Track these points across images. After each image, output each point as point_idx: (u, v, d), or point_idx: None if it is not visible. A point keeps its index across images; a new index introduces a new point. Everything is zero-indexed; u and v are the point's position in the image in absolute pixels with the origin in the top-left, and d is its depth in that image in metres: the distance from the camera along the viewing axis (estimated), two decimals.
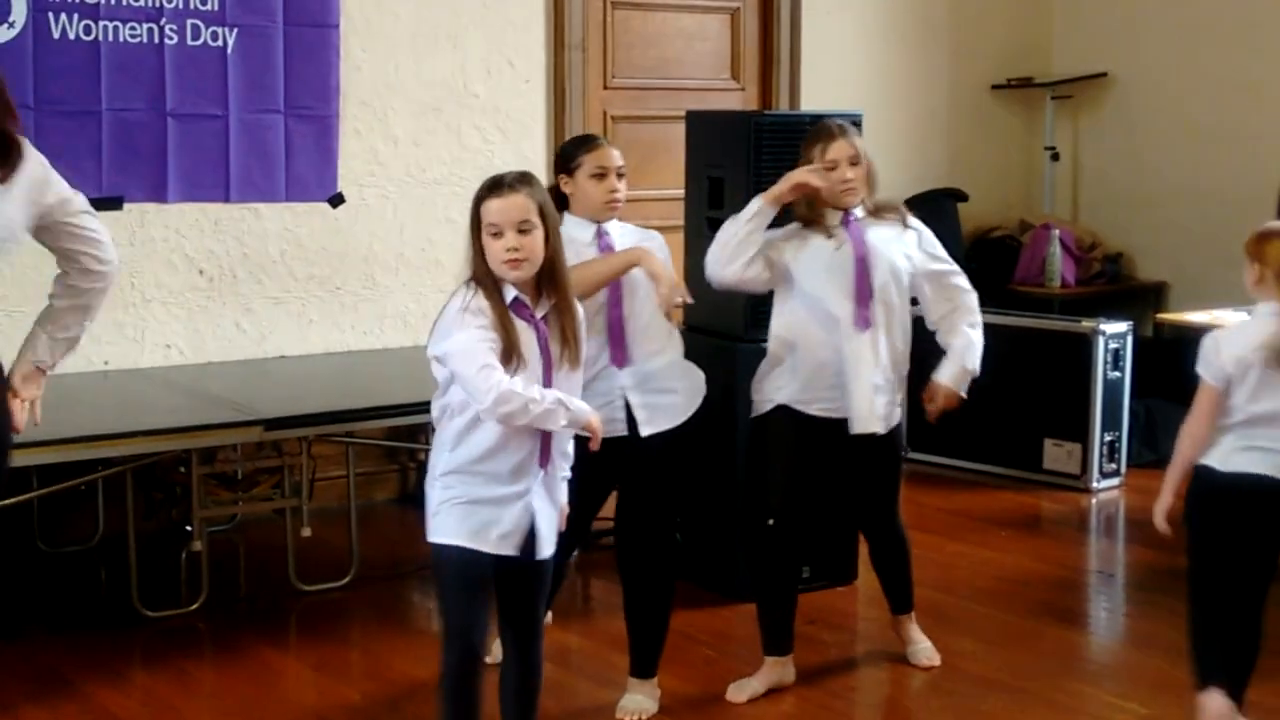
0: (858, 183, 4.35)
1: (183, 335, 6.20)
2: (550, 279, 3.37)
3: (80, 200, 3.71)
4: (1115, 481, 6.93)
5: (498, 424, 3.28)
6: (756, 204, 4.31)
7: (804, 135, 4.47)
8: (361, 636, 5.09)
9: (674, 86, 7.43)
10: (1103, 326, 6.81)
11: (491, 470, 3.35)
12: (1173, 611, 5.26)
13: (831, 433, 4.39)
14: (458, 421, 3.36)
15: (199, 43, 6.05)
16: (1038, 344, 7.01)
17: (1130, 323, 6.97)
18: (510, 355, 3.27)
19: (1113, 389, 6.86)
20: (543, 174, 6.95)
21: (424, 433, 5.96)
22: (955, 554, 5.92)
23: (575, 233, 4.11)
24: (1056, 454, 6.95)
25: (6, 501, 5.10)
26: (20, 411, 3.69)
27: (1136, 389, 7.00)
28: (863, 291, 4.34)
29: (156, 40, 5.97)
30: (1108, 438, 6.86)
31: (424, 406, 3.59)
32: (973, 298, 4.60)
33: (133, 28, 5.92)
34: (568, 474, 3.54)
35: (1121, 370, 6.87)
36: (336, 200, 6.46)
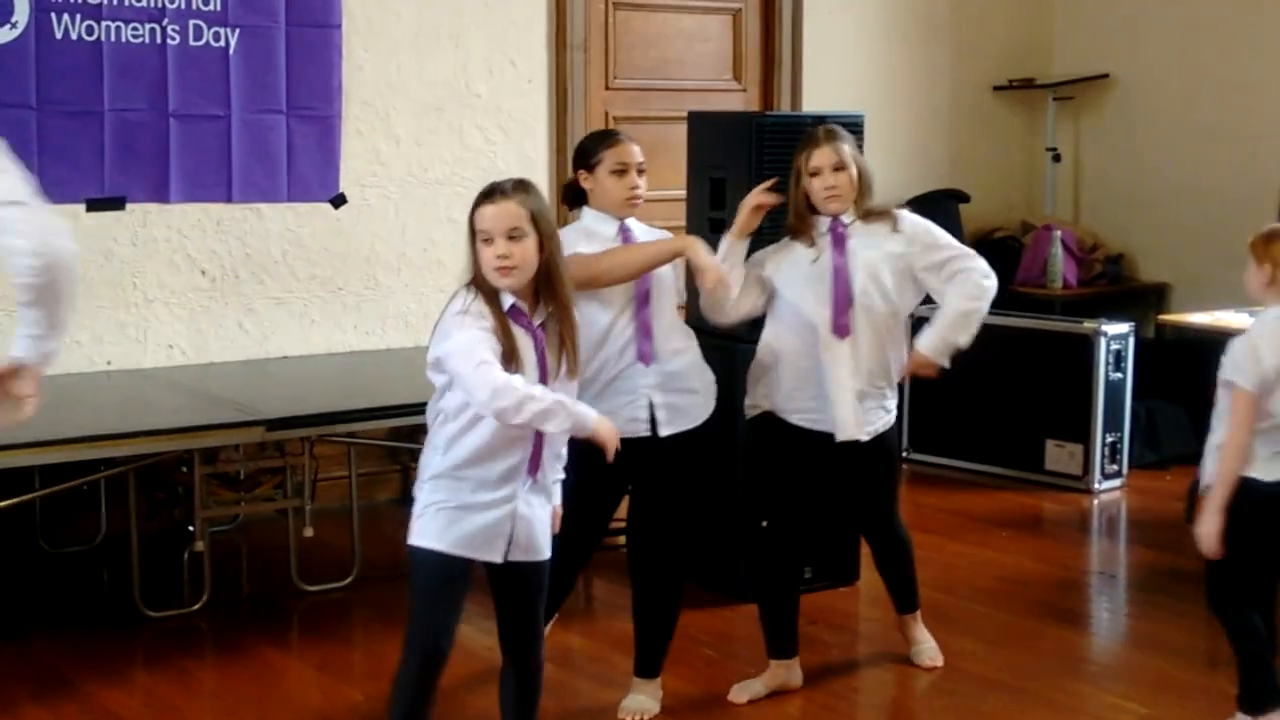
0: (842, 189, 4.30)
1: (185, 335, 6.20)
2: (548, 286, 3.36)
3: (3, 190, 3.21)
4: (1117, 482, 6.93)
5: (492, 427, 3.27)
6: (725, 244, 4.30)
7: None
8: (364, 637, 5.09)
9: (675, 87, 7.43)
10: (1104, 327, 6.81)
11: (479, 475, 3.33)
12: (1174, 612, 5.28)
13: (815, 442, 4.38)
14: (451, 426, 3.35)
15: (201, 43, 6.06)
16: (1039, 345, 7.02)
17: (1132, 324, 6.97)
18: (509, 361, 3.26)
19: (1114, 390, 6.86)
20: (544, 174, 7.00)
21: (425, 433, 5.96)
22: (956, 554, 5.93)
23: (598, 227, 4.13)
24: (1058, 455, 6.95)
25: (9, 501, 5.12)
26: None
27: (1138, 390, 7.00)
28: (840, 299, 4.31)
29: (159, 41, 5.97)
30: (1109, 439, 6.86)
31: (426, 407, 3.57)
32: (976, 272, 4.51)
33: (135, 28, 5.92)
34: (560, 475, 3.53)
35: (1123, 371, 6.88)
36: (338, 200, 6.47)
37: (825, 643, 4.93)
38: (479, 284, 3.32)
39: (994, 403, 7.16)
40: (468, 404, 3.28)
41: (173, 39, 5.99)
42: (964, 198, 8.33)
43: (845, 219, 4.36)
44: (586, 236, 4.13)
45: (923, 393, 7.33)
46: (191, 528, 5.30)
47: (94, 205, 5.94)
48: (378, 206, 6.59)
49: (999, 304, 7.52)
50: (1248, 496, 3.91)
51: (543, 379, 3.34)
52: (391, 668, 4.38)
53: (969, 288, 4.45)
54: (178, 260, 6.17)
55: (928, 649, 4.73)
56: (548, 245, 3.33)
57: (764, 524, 4.55)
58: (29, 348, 3.16)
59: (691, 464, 4.28)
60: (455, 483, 3.34)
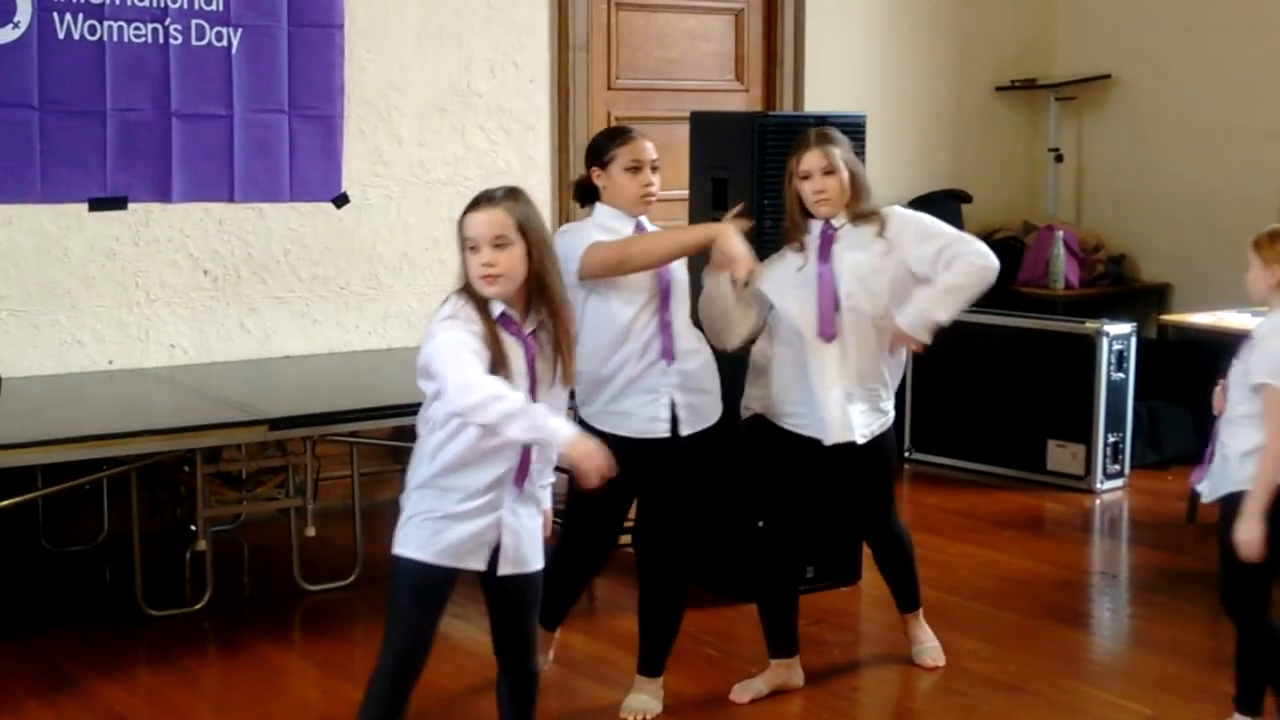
0: (831, 193, 4.27)
1: (187, 335, 6.21)
2: (540, 294, 3.31)
3: None
4: (1119, 483, 6.93)
5: (475, 437, 3.22)
6: (707, 280, 4.27)
7: None
8: (365, 636, 5.09)
9: (678, 87, 7.43)
10: (1106, 328, 6.81)
11: (465, 485, 3.28)
12: (1176, 612, 5.28)
13: (806, 445, 4.37)
14: (438, 435, 3.29)
15: (204, 43, 6.06)
16: (1041, 345, 7.02)
17: (1134, 324, 6.97)
18: (497, 368, 3.21)
19: (1116, 390, 6.86)
20: (547, 174, 7.01)
21: None
22: (959, 554, 5.92)
23: (614, 224, 4.12)
24: (1060, 455, 6.95)
25: (11, 500, 5.12)
26: None
27: (1140, 390, 7.00)
28: (826, 303, 4.29)
29: (161, 40, 5.97)
30: (1111, 439, 6.86)
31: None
32: (970, 252, 4.43)
33: (138, 28, 5.93)
34: (551, 479, 3.50)
35: (1125, 371, 6.87)
36: (341, 200, 6.47)
37: (827, 642, 4.93)
38: (469, 291, 3.29)
39: (996, 403, 7.16)
40: (453, 412, 3.25)
41: (175, 39, 6.00)
42: (966, 198, 8.33)
43: (836, 222, 4.34)
44: (603, 231, 4.12)
45: (925, 393, 7.35)
46: (193, 527, 5.30)
47: (96, 205, 5.94)
48: (380, 206, 6.59)
49: (1001, 305, 7.61)
50: None
51: (532, 387, 3.30)
52: None
53: (961, 266, 4.39)
54: (180, 260, 6.18)
55: (929, 648, 4.73)
56: (536, 253, 3.28)
57: (760, 524, 4.56)
58: None
59: (704, 464, 4.28)
60: (441, 492, 3.30)
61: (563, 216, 7.06)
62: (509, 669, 3.52)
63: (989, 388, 7.17)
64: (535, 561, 3.41)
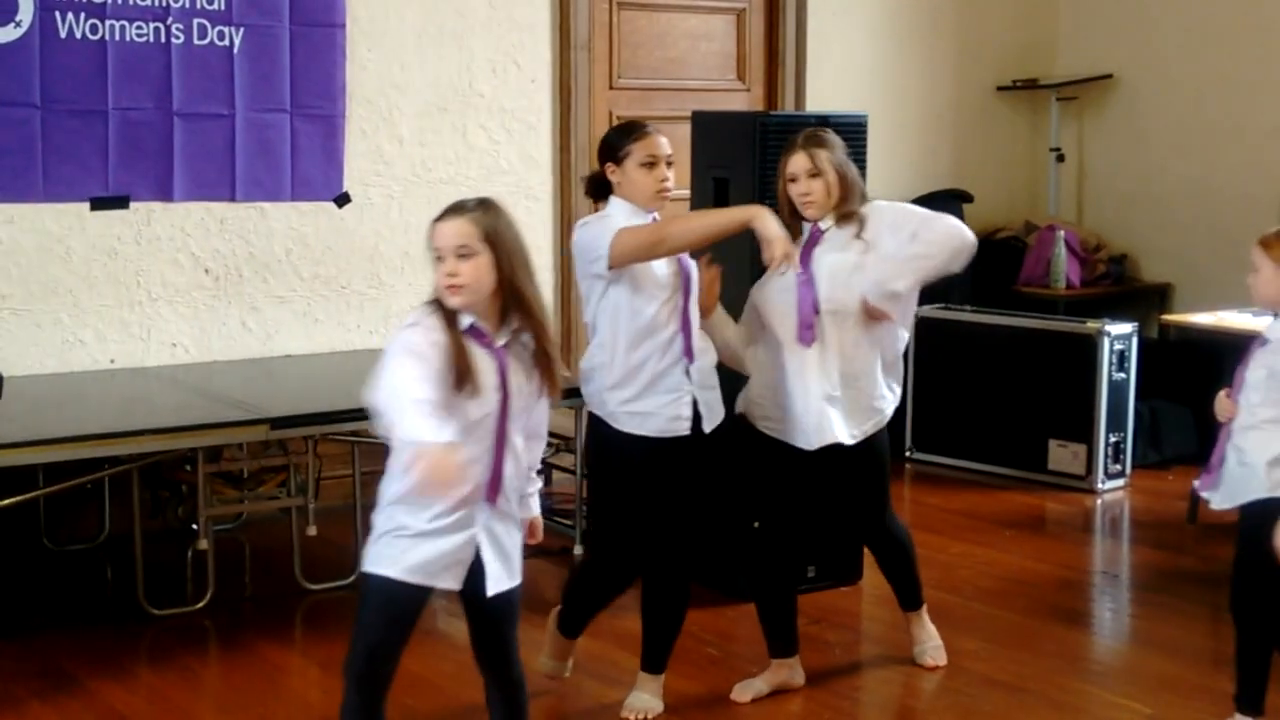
0: (816, 196, 4.26)
1: (188, 334, 6.21)
2: (515, 305, 3.24)
3: None
4: (1120, 482, 6.93)
5: (467, 449, 3.16)
6: (712, 329, 4.33)
7: None
8: None
9: (679, 87, 7.43)
10: (1108, 328, 6.81)
11: (432, 503, 3.20)
12: (1177, 612, 5.28)
13: (782, 449, 4.37)
14: (409, 451, 3.21)
15: (205, 42, 6.06)
16: (1042, 345, 7.02)
17: (1135, 324, 6.97)
18: (462, 381, 3.15)
19: (1117, 390, 6.86)
20: (548, 173, 7.01)
21: None
22: (960, 554, 5.93)
23: (632, 220, 4.09)
24: (1061, 455, 6.95)
25: (13, 500, 5.12)
26: None
27: (1141, 390, 7.00)
28: (804, 308, 4.28)
29: (163, 39, 5.98)
30: (1113, 439, 6.86)
31: None
32: (938, 224, 4.35)
33: (139, 27, 5.93)
34: (538, 485, 3.48)
35: (1126, 371, 6.87)
36: (342, 199, 6.47)
37: (828, 642, 4.93)
38: (439, 302, 3.24)
39: (997, 403, 7.16)
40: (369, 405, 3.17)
41: (177, 38, 6.00)
42: (967, 198, 8.33)
43: (823, 225, 4.33)
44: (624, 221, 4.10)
45: (926, 392, 7.35)
46: (195, 526, 5.31)
47: (98, 204, 5.95)
48: (381, 205, 6.59)
49: (1002, 304, 7.61)
50: None
51: (504, 401, 3.22)
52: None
53: (926, 235, 4.31)
54: (181, 259, 6.18)
55: (930, 648, 4.72)
56: (506, 264, 3.21)
57: (756, 525, 4.56)
58: None
59: (715, 459, 4.29)
60: (411, 509, 3.22)
61: (564, 216, 7.07)
62: (494, 680, 3.48)
63: (990, 388, 7.17)
64: (510, 579, 3.34)
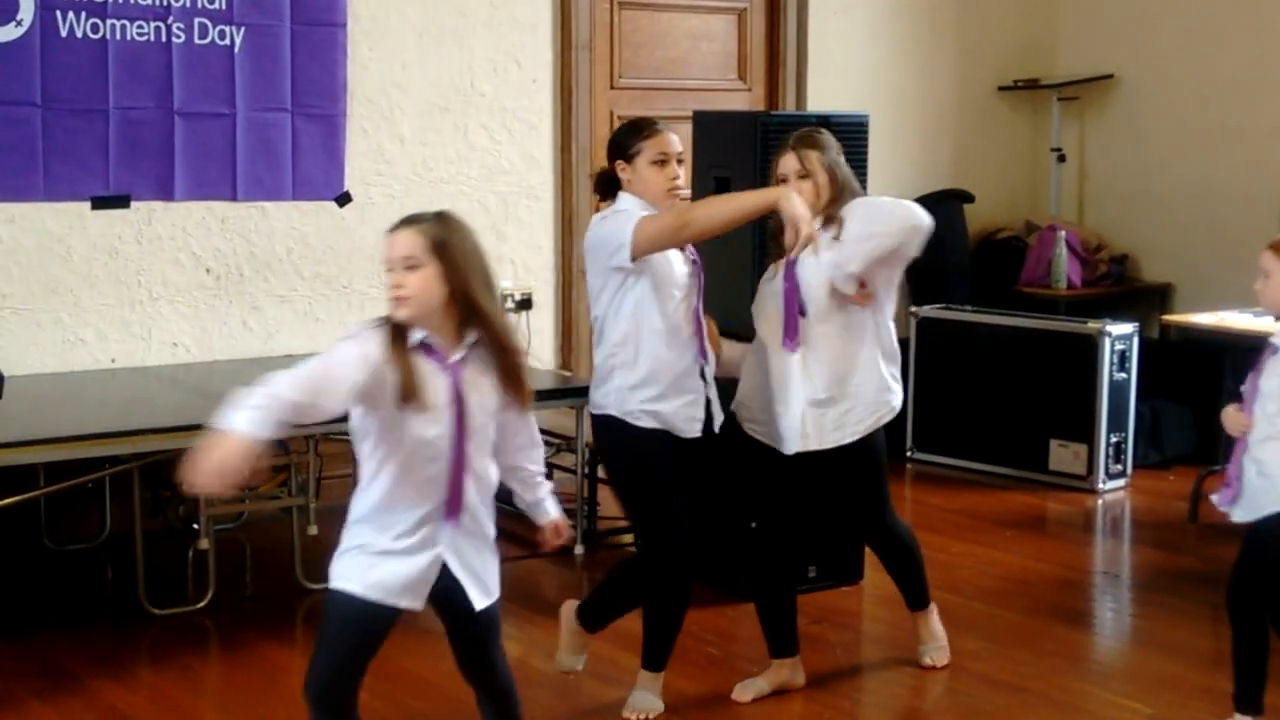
0: (805, 197, 4.14)
1: (189, 333, 6.21)
2: (471, 320, 3.14)
3: None
4: (1121, 482, 6.93)
5: (395, 473, 3.13)
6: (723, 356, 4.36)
7: None
8: None
9: (680, 86, 7.43)
10: (1108, 328, 6.81)
11: (395, 522, 3.16)
12: (1178, 612, 5.28)
13: (770, 451, 4.36)
14: (368, 467, 3.19)
15: (206, 41, 6.06)
16: (1043, 345, 7.02)
17: (1136, 324, 6.97)
18: (407, 397, 3.07)
19: (1118, 390, 6.86)
20: (549, 173, 7.01)
21: None
22: (961, 554, 5.93)
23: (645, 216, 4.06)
24: (1062, 455, 6.95)
25: (13, 499, 5.12)
26: None
27: (1142, 390, 7.00)
28: (790, 311, 4.26)
29: (164, 39, 5.98)
30: (1113, 439, 6.86)
31: None
32: (891, 205, 4.26)
33: (140, 26, 5.93)
34: (549, 487, 3.45)
35: (1127, 371, 6.87)
36: (343, 199, 6.47)
37: (829, 642, 4.93)
38: (390, 317, 3.17)
39: (998, 403, 7.16)
40: (375, 447, 3.15)
41: (178, 37, 6.00)
42: (968, 198, 8.33)
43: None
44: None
45: (927, 393, 7.35)
46: (196, 525, 5.31)
47: (99, 203, 5.95)
48: (382, 205, 6.59)
49: (1003, 304, 7.61)
50: None
51: (458, 421, 3.14)
52: (394, 665, 4.40)
53: (879, 214, 4.21)
54: (182, 258, 6.18)
55: (931, 649, 4.71)
56: (456, 276, 3.10)
57: (753, 525, 4.55)
58: None
59: (715, 460, 4.30)
60: (375, 527, 3.18)
61: (565, 215, 7.07)
62: (481, 690, 3.45)
63: (991, 388, 7.17)
64: (484, 597, 3.27)
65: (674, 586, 4.23)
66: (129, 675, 4.67)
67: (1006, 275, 8.27)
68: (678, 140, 4.15)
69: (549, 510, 3.48)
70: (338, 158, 6.44)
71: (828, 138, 4.33)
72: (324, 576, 5.35)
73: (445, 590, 3.23)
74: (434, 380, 3.11)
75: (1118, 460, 6.91)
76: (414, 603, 3.21)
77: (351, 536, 3.22)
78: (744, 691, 4.45)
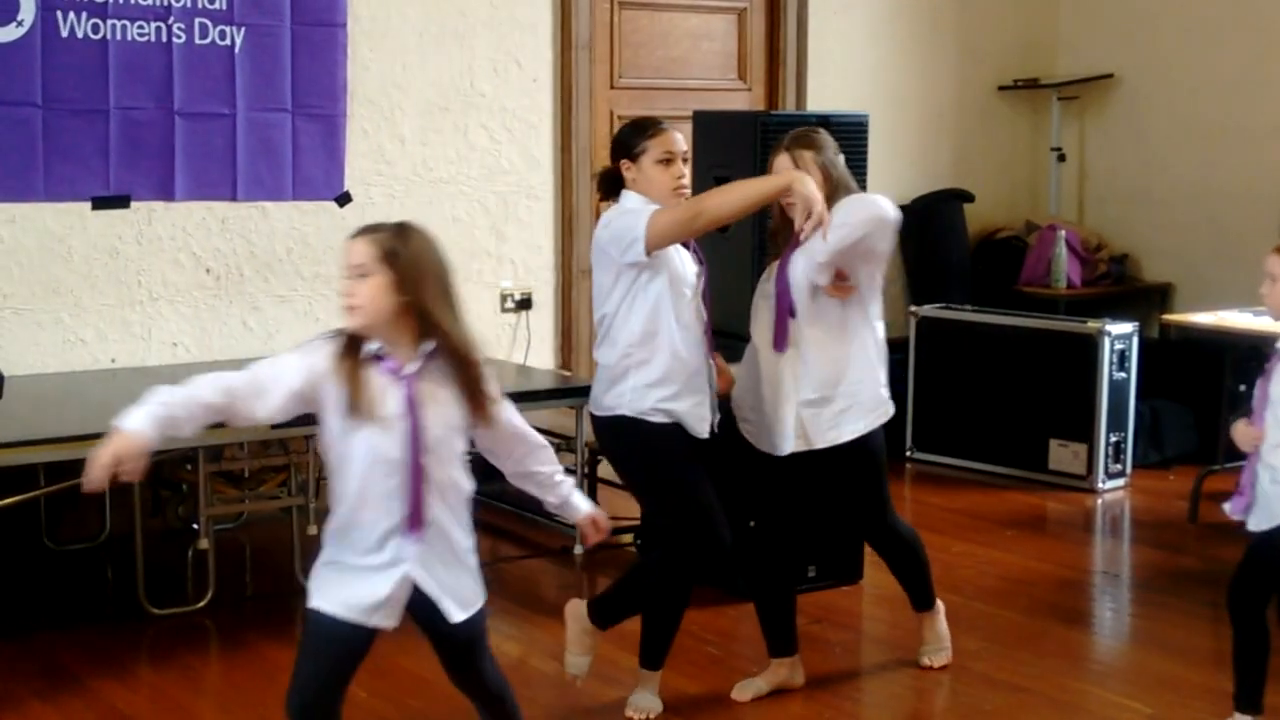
0: (797, 197, 4.18)
1: (190, 333, 6.21)
2: (428, 331, 3.08)
3: None
4: (1121, 482, 6.93)
5: (355, 487, 3.08)
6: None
7: None
8: None
9: (681, 86, 7.44)
10: (1108, 327, 6.81)
11: (359, 538, 3.12)
12: (1178, 612, 5.28)
13: (760, 453, 4.37)
14: (332, 481, 3.16)
15: (207, 41, 6.07)
16: (1043, 345, 7.02)
17: (1136, 324, 6.97)
18: (354, 410, 3.03)
19: (1118, 390, 6.86)
20: (549, 173, 7.02)
21: None
22: (961, 554, 5.93)
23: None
24: (1062, 454, 6.95)
25: (14, 499, 5.13)
26: None
27: (1142, 390, 7.01)
28: (780, 314, 4.25)
29: (164, 39, 5.98)
30: (1113, 438, 6.86)
31: None
32: (860, 198, 4.22)
33: (141, 26, 5.93)
34: (571, 483, 3.40)
35: (1127, 371, 6.88)
36: (344, 199, 6.47)
37: (828, 641, 4.93)
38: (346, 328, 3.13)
39: (998, 402, 7.16)
40: (336, 459, 3.12)
41: (178, 37, 6.00)
42: (968, 197, 8.33)
43: (807, 228, 4.29)
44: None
45: (927, 392, 7.35)
46: (196, 525, 5.31)
47: (99, 203, 5.95)
48: (382, 205, 6.59)
49: (1003, 304, 7.61)
50: None
51: (414, 430, 3.06)
52: (394, 664, 4.40)
53: (846, 205, 4.15)
54: (182, 258, 6.18)
55: (931, 650, 4.70)
56: (408, 286, 3.03)
57: (751, 524, 4.56)
58: None
59: (716, 460, 4.30)
60: (345, 543, 3.14)
61: (565, 215, 7.07)
62: (475, 698, 3.42)
63: (991, 387, 7.17)
64: (458, 612, 3.20)
65: (701, 577, 4.17)
66: (129, 675, 4.67)
67: (1006, 275, 8.28)
68: (682, 139, 4.14)
69: (579, 507, 3.44)
70: (338, 158, 6.44)
71: (823, 137, 4.31)
72: None
73: (421, 605, 3.19)
74: (386, 392, 3.06)
75: (1117, 460, 6.91)
76: (386, 621, 3.16)
77: (327, 550, 3.19)
78: (743, 691, 4.45)
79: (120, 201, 5.98)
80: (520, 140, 6.95)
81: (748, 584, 4.62)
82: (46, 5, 5.73)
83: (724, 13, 7.68)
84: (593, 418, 4.27)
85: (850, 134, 4.92)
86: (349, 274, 3.09)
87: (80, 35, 5.82)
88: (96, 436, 4.75)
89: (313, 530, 5.35)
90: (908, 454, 7.40)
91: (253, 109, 6.20)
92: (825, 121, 4.75)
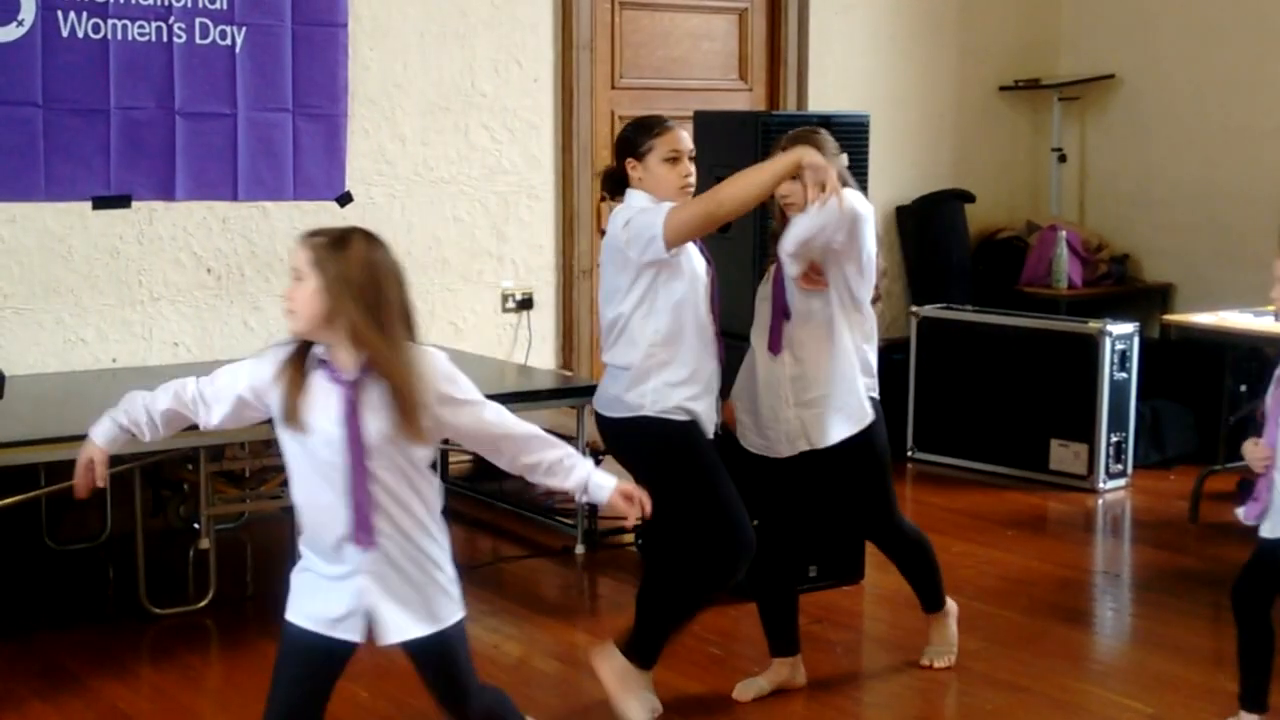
0: (795, 198, 4.14)
1: (190, 333, 6.22)
2: (354, 341, 2.97)
3: None
4: (1122, 482, 6.93)
5: (305, 492, 3.06)
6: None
7: None
8: None
9: (681, 86, 7.44)
10: (1109, 328, 6.81)
11: (320, 547, 3.07)
12: (1179, 612, 5.28)
13: (755, 455, 4.37)
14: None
15: (207, 41, 6.07)
16: (1044, 345, 7.02)
17: (1136, 324, 6.97)
18: (289, 417, 3.01)
19: (1119, 390, 6.86)
20: (550, 173, 7.02)
21: None
22: (962, 554, 5.92)
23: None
24: (1063, 455, 6.95)
25: (14, 499, 5.12)
26: None
27: (1143, 390, 7.01)
28: (776, 314, 4.25)
29: (165, 39, 5.98)
30: (1114, 438, 6.86)
31: None
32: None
33: (141, 26, 5.93)
34: (589, 464, 3.25)
35: (1128, 371, 6.88)
36: (344, 199, 6.47)
37: (830, 641, 4.93)
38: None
39: (999, 402, 7.16)
40: (287, 465, 3.09)
41: (179, 37, 6.00)
42: (969, 198, 8.34)
43: None
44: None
45: (928, 392, 7.35)
46: (197, 525, 5.31)
47: (100, 203, 5.95)
48: (383, 205, 6.60)
49: (1004, 304, 7.61)
50: None
51: (353, 438, 2.97)
52: (394, 664, 4.40)
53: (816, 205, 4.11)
54: (183, 258, 6.19)
55: (935, 651, 4.69)
56: (332, 294, 2.94)
57: (755, 523, 4.55)
58: None
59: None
60: (312, 550, 3.12)
61: (566, 215, 7.07)
62: (455, 716, 3.31)
63: (992, 387, 7.17)
64: (417, 628, 3.09)
65: (733, 575, 4.12)
66: (130, 675, 4.67)
67: (1007, 275, 8.28)
68: (688, 137, 4.13)
69: (603, 485, 3.21)
70: (339, 158, 6.44)
71: (823, 137, 4.29)
72: None
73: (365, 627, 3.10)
74: (326, 398, 2.99)
75: (1118, 460, 6.91)
76: (350, 634, 3.08)
77: (303, 557, 3.17)
78: (745, 690, 4.45)
79: (121, 201, 5.98)
80: (521, 140, 6.95)
81: (750, 583, 4.61)
82: (47, 5, 5.74)
83: (725, 13, 7.68)
84: (606, 419, 4.18)
85: (851, 134, 4.91)
86: (292, 277, 3.02)
87: (81, 35, 5.82)
88: None
89: None
90: (909, 454, 7.40)
91: (254, 109, 6.20)
92: (826, 122, 4.74)
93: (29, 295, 5.87)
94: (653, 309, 4.01)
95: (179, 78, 6.02)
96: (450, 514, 6.58)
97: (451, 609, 3.14)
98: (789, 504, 4.44)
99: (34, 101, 5.76)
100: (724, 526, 4.07)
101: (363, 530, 3.01)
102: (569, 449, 3.23)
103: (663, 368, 4.02)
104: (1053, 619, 5.20)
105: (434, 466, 3.18)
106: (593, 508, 5.99)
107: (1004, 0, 8.62)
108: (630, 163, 4.10)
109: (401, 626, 3.08)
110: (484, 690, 3.28)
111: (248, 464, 5.42)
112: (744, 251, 5.11)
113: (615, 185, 4.18)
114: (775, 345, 4.26)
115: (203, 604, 5.21)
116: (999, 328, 7.20)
